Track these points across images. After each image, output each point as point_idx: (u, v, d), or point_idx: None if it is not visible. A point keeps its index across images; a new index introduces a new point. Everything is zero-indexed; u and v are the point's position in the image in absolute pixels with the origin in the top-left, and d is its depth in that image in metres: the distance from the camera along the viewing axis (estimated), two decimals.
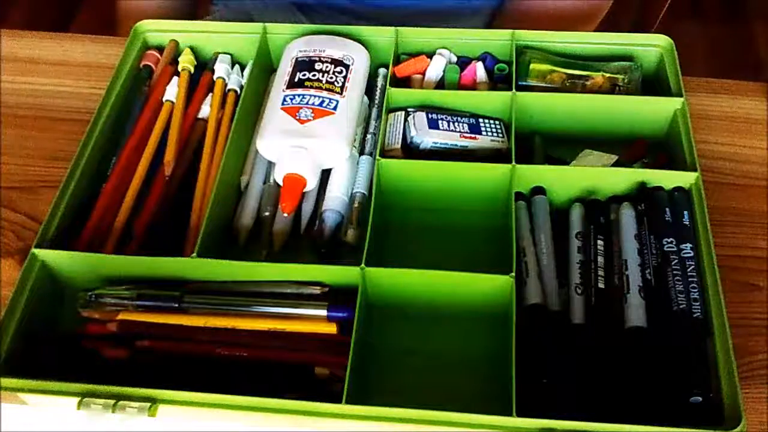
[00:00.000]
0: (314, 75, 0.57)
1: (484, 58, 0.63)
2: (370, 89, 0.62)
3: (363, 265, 0.49)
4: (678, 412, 0.46)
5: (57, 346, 0.51)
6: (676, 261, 0.51)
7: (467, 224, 0.57)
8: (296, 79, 0.57)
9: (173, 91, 0.61)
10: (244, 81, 0.62)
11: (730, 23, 1.74)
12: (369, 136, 0.60)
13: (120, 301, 0.51)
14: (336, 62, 0.58)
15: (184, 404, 0.46)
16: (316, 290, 0.51)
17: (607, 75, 0.61)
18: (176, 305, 0.51)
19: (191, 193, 0.56)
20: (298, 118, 0.55)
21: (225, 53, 0.65)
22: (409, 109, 0.59)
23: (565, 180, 0.56)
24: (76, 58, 0.72)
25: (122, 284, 0.52)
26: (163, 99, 0.61)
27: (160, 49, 0.65)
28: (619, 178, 0.55)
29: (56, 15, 1.78)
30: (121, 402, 0.45)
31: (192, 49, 0.65)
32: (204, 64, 0.65)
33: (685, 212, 0.53)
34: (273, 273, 0.51)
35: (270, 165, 0.58)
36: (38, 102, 0.69)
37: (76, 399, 0.45)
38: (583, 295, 0.51)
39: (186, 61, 0.63)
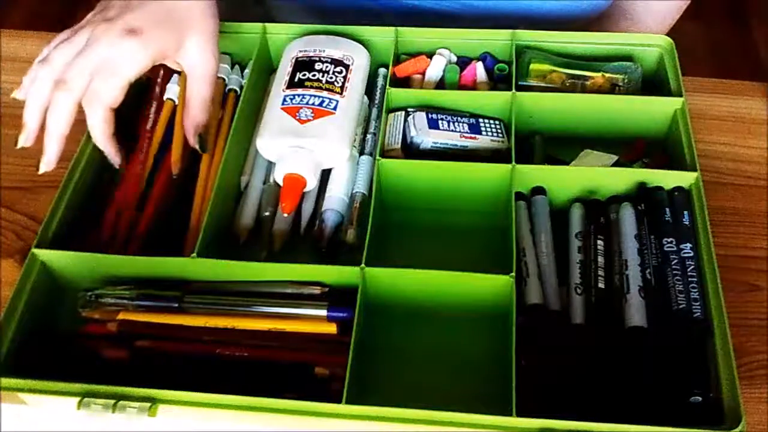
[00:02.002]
0: (314, 75, 0.57)
1: (484, 58, 0.63)
2: (370, 89, 0.62)
3: (363, 265, 0.49)
4: (678, 412, 0.46)
5: (57, 346, 0.51)
6: (676, 261, 0.51)
7: (467, 224, 0.57)
8: (296, 79, 0.57)
9: (174, 90, 0.61)
10: (244, 81, 0.62)
11: (731, 23, 1.74)
12: (369, 136, 0.60)
13: (120, 301, 0.51)
14: (336, 62, 0.58)
15: (184, 404, 0.46)
16: (316, 290, 0.51)
17: (607, 75, 0.61)
18: (176, 305, 0.51)
19: (191, 193, 0.56)
20: (298, 118, 0.55)
21: (225, 53, 0.65)
22: (409, 109, 0.59)
23: (565, 180, 0.56)
24: None
25: (122, 284, 0.52)
26: (164, 98, 0.61)
27: None
28: (619, 178, 0.55)
29: (56, 15, 1.78)
30: (121, 402, 0.45)
31: None
32: None
33: (685, 212, 0.53)
34: (273, 273, 0.51)
35: (270, 165, 0.59)
36: None
37: (76, 399, 0.45)
38: (583, 295, 0.51)
39: None
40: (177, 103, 0.61)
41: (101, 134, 0.53)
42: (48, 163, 0.52)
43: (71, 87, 0.51)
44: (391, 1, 0.70)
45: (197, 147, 0.56)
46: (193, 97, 0.56)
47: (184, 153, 0.58)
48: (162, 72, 0.63)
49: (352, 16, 0.66)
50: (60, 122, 0.51)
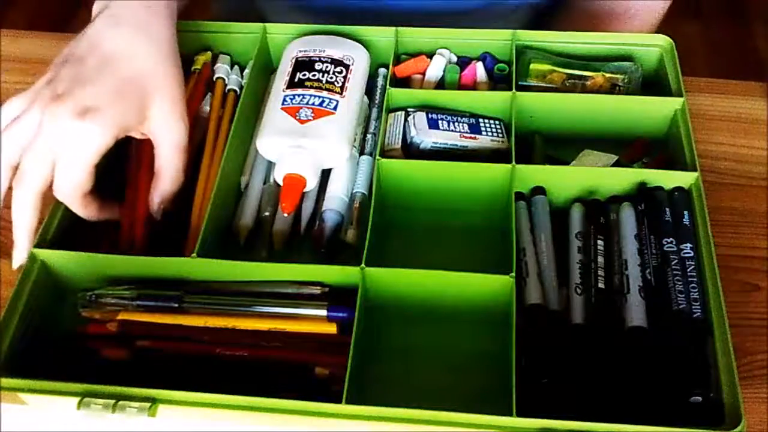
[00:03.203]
0: (314, 75, 0.57)
1: (484, 58, 0.63)
2: (370, 89, 0.62)
3: (363, 265, 0.49)
4: (678, 412, 0.46)
5: (57, 346, 0.51)
6: (676, 261, 0.51)
7: (467, 224, 0.57)
8: (296, 79, 0.57)
9: None
10: (244, 81, 0.62)
11: (731, 23, 1.75)
12: (369, 136, 0.60)
13: (120, 301, 0.51)
14: (336, 62, 0.58)
15: (184, 404, 0.46)
16: (316, 290, 0.51)
17: (607, 75, 0.61)
18: (176, 305, 0.51)
19: (191, 193, 0.56)
20: (298, 118, 0.55)
21: (225, 53, 0.65)
22: (409, 109, 0.59)
23: (565, 180, 0.56)
24: None
25: (122, 284, 0.52)
26: None
27: None
28: (619, 178, 0.55)
29: (56, 15, 1.79)
30: (121, 402, 0.45)
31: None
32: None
33: (685, 212, 0.53)
34: (273, 273, 0.51)
35: (270, 165, 0.59)
36: None
37: (76, 399, 0.45)
38: (583, 295, 0.51)
39: (199, 63, 0.63)
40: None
41: (89, 217, 0.51)
42: (20, 258, 0.50)
43: (29, 182, 0.47)
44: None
45: (157, 218, 0.53)
46: (164, 169, 0.52)
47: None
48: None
49: (347, 15, 0.65)
50: (26, 218, 0.48)
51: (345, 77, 0.58)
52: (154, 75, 0.51)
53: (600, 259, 0.52)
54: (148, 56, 0.51)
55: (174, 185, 0.53)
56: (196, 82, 0.62)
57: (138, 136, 0.52)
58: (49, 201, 0.53)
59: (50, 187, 0.49)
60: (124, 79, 0.49)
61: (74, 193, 0.49)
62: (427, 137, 0.57)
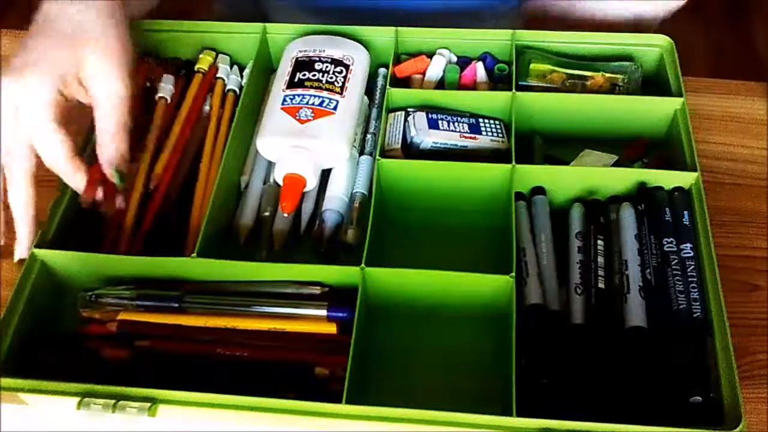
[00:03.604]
0: (314, 75, 0.57)
1: (484, 58, 0.63)
2: (370, 89, 0.62)
3: (363, 265, 0.49)
4: (678, 412, 0.46)
5: (57, 346, 0.51)
6: (676, 261, 0.51)
7: (467, 224, 0.57)
8: (296, 79, 0.57)
9: (168, 88, 0.61)
10: (244, 81, 0.62)
11: (731, 23, 1.74)
12: (369, 136, 0.60)
13: (120, 301, 0.51)
14: (336, 62, 0.58)
15: (184, 404, 0.46)
16: (316, 290, 0.51)
17: (607, 75, 0.61)
18: (176, 305, 0.51)
19: (191, 193, 0.56)
20: (298, 118, 0.55)
21: (225, 53, 0.65)
22: (409, 109, 0.59)
23: (565, 180, 0.56)
24: None
25: (122, 284, 0.52)
26: (157, 96, 0.61)
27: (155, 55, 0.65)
28: (619, 178, 0.55)
29: None
30: (121, 402, 0.45)
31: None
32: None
33: (685, 212, 0.53)
34: (273, 273, 0.51)
35: (270, 165, 0.59)
36: None
37: (76, 399, 0.45)
38: (583, 295, 0.51)
39: (203, 62, 0.63)
40: (169, 101, 0.61)
41: (78, 184, 0.51)
42: (23, 250, 0.50)
43: (14, 164, 0.48)
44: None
45: (115, 181, 0.52)
46: (101, 129, 0.51)
47: (182, 155, 0.57)
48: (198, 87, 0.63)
49: (347, 15, 0.65)
50: (22, 201, 0.49)
51: (345, 77, 0.58)
52: (89, 27, 0.51)
53: (600, 259, 0.52)
54: (86, 14, 0.52)
55: (115, 145, 0.52)
56: (201, 82, 0.62)
57: (83, 99, 0.52)
58: (49, 198, 0.53)
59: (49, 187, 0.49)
60: (59, 34, 0.51)
61: (59, 155, 0.49)
62: (427, 137, 0.57)
